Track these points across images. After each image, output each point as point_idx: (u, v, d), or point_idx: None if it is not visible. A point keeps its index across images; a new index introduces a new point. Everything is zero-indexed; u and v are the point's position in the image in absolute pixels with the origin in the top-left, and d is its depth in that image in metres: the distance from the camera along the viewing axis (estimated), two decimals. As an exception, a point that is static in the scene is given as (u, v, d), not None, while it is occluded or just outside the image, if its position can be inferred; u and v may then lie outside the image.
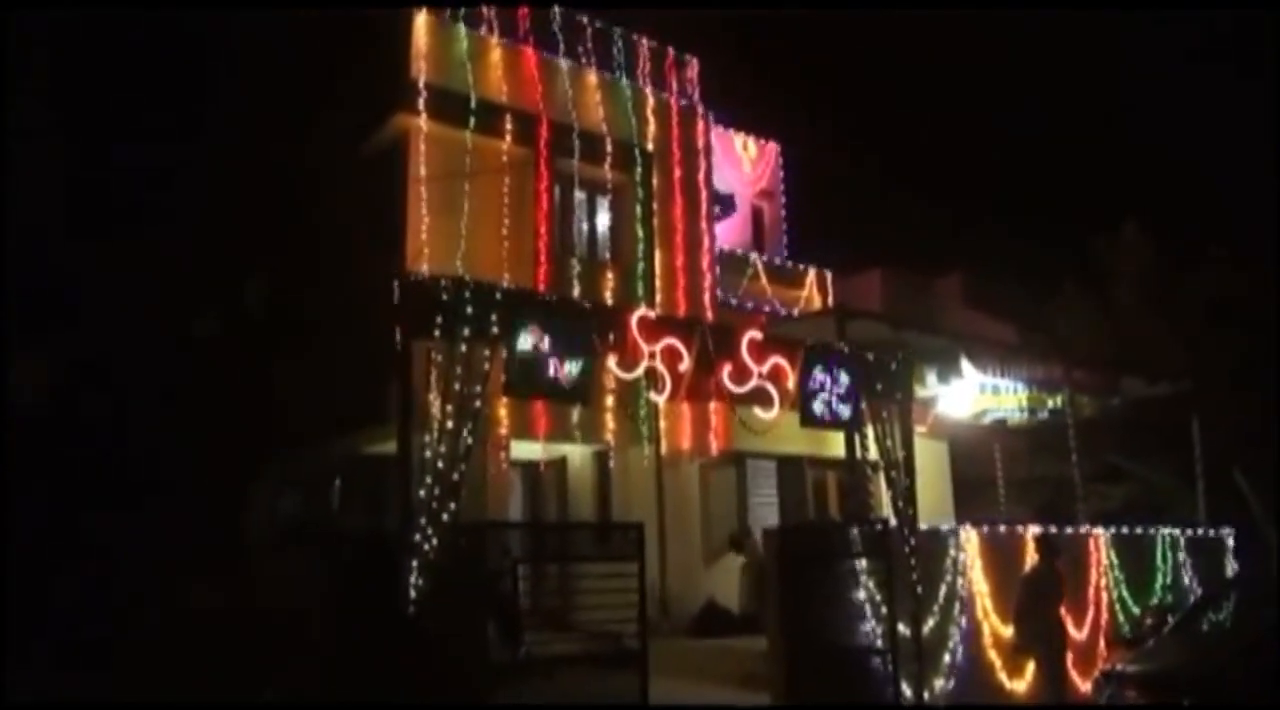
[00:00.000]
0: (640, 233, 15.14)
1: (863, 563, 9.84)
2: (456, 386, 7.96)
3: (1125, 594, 12.46)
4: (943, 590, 10.28)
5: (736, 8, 37.01)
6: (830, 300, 19.01)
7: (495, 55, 14.42)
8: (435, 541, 7.52)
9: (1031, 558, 10.49)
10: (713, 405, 13.88)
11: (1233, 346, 17.60)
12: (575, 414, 13.01)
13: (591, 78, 15.27)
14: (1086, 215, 27.37)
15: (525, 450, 13.50)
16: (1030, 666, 10.42)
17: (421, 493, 7.67)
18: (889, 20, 41.82)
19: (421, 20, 13.80)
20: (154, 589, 12.09)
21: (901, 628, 9.66)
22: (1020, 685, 10.57)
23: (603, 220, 15.34)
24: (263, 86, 17.59)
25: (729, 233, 18.87)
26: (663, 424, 13.99)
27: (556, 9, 15.13)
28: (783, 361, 10.28)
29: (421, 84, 13.48)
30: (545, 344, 8.43)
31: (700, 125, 16.42)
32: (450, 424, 7.88)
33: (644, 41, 16.03)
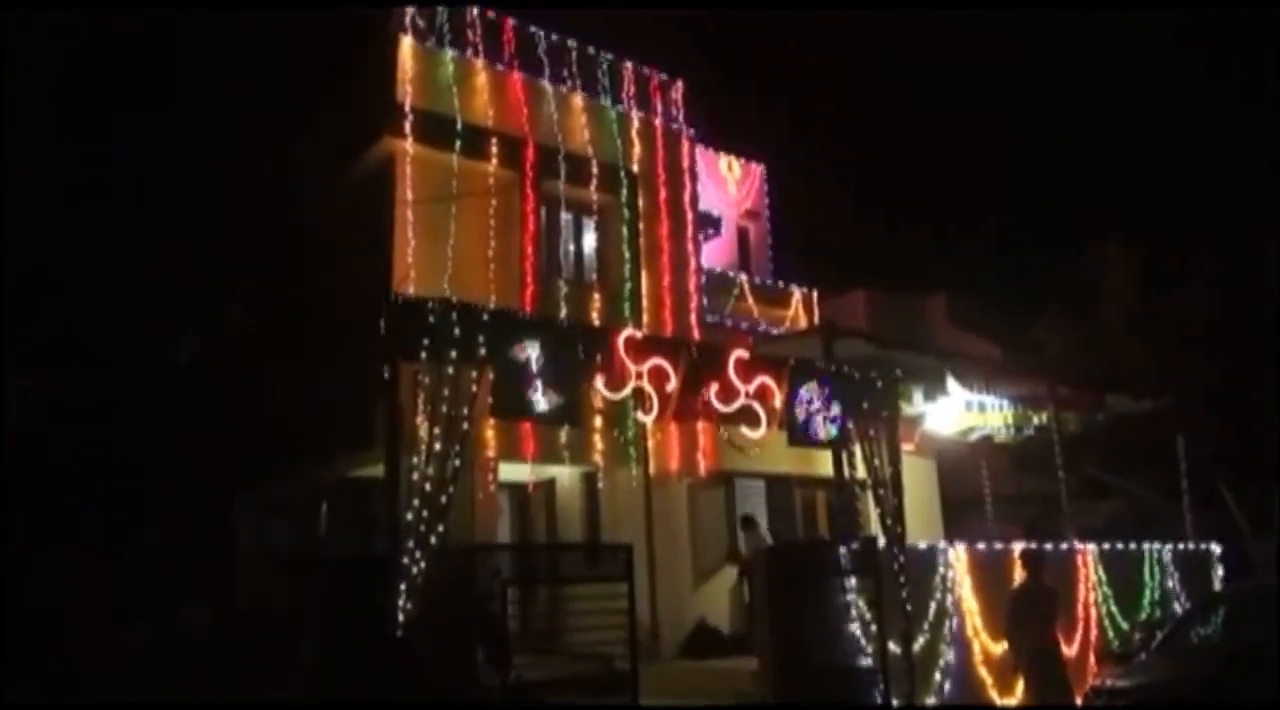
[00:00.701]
0: (626, 254, 15.19)
1: (852, 581, 9.84)
2: (444, 409, 7.96)
3: (1114, 609, 12.48)
4: (932, 608, 10.28)
5: (715, 7, 37.29)
6: (816, 319, 19.08)
7: (481, 79, 14.50)
8: (423, 564, 7.49)
9: (1019, 574, 10.50)
10: (701, 425, 13.89)
11: (1213, 363, 17.74)
12: (563, 435, 12.99)
13: (577, 101, 15.37)
14: (1070, 232, 27.60)
15: (513, 472, 13.46)
16: (1021, 684, 10.41)
17: (410, 516, 7.64)
18: (871, 34, 42.26)
19: (407, 45, 13.87)
20: (140, 612, 12.01)
21: (892, 646, 9.65)
22: (1011, 702, 10.56)
23: (589, 241, 15.39)
24: (250, 109, 17.65)
25: (715, 253, 18.95)
26: (651, 445, 13.99)
27: (542, 34, 15.22)
28: (769, 381, 10.32)
29: (408, 108, 13.53)
30: (532, 365, 8.45)
31: (685, 147, 16.53)
32: (438, 446, 7.87)
33: (629, 65, 16.15)
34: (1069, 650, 11.20)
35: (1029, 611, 9.34)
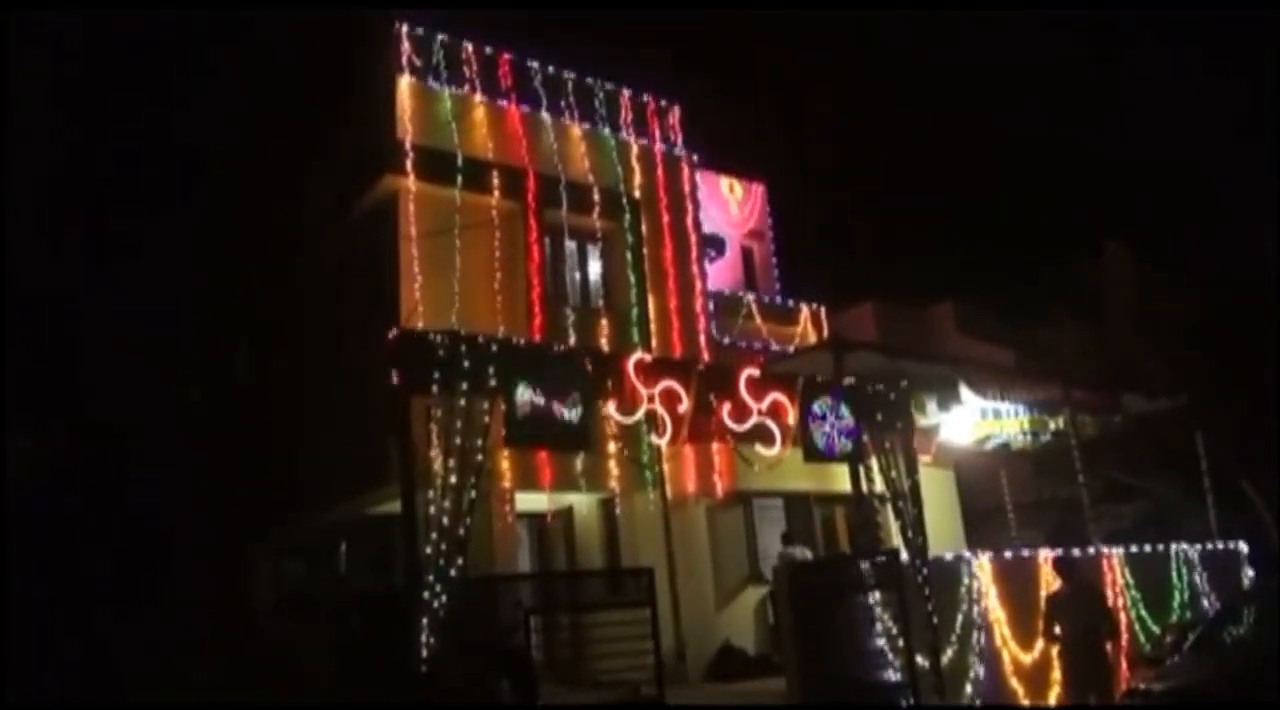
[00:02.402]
0: (632, 278, 15.23)
1: (877, 596, 9.76)
2: (457, 441, 7.98)
3: (1144, 613, 12.32)
4: (959, 619, 10.17)
5: (707, 6, 37.49)
6: (825, 334, 19.05)
7: (479, 113, 14.63)
8: (444, 598, 7.47)
9: (1056, 581, 10.34)
10: (715, 446, 13.84)
11: (1220, 361, 17.63)
12: (579, 462, 12.96)
13: (575, 130, 15.48)
14: (1071, 234, 27.57)
15: (530, 502, 13.41)
16: (1054, 692, 10.26)
17: (428, 550, 7.63)
18: (866, 40, 42.43)
19: (405, 83, 14.03)
20: (159, 660, 11.96)
21: (919, 659, 9.54)
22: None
23: (594, 268, 15.44)
24: (250, 154, 17.83)
25: (721, 274, 18.97)
26: (667, 467, 13.93)
27: (537, 66, 15.36)
28: (782, 398, 10.31)
29: (408, 145, 13.65)
30: (543, 393, 8.46)
31: (685, 170, 16.61)
32: (453, 479, 7.88)
33: (625, 92, 16.28)
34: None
35: (1066, 613, 9.10)
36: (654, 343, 14.97)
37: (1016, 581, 10.72)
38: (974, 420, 14.29)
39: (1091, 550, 12.28)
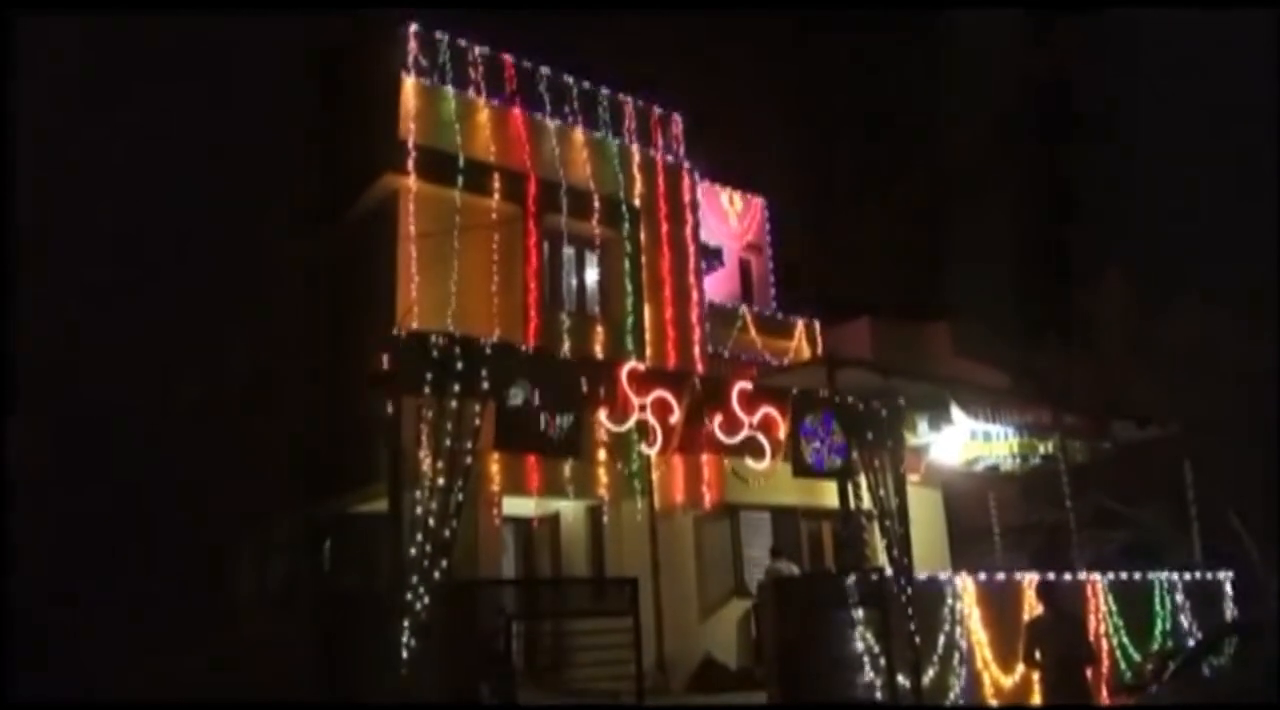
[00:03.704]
0: (629, 287, 15.24)
1: (860, 613, 9.76)
2: (447, 442, 7.96)
3: (1125, 640, 12.35)
4: (941, 640, 10.19)
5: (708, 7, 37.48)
6: (820, 350, 19.08)
7: (483, 116, 14.65)
8: (427, 600, 7.45)
9: (1037, 607, 10.35)
10: (705, 458, 13.84)
11: (1213, 390, 17.71)
12: (567, 469, 12.94)
13: (578, 136, 15.51)
14: (1072, 261, 27.62)
15: (517, 506, 13.40)
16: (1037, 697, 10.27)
17: (413, 551, 7.61)
18: (869, 53, 42.43)
19: (410, 83, 14.04)
20: (141, 658, 11.88)
21: (900, 678, 9.55)
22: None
23: (591, 275, 15.44)
24: (252, 148, 17.79)
25: (717, 285, 19.00)
26: (655, 477, 13.91)
27: (542, 71, 15.39)
28: (773, 412, 10.31)
29: (410, 145, 13.65)
30: (535, 398, 8.46)
31: (686, 181, 16.64)
32: (441, 481, 7.87)
33: (629, 100, 16.31)
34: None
35: (1048, 639, 9.12)
36: (648, 352, 14.97)
37: (1000, 604, 10.75)
38: (964, 441, 14.33)
39: (1075, 576, 12.31)
